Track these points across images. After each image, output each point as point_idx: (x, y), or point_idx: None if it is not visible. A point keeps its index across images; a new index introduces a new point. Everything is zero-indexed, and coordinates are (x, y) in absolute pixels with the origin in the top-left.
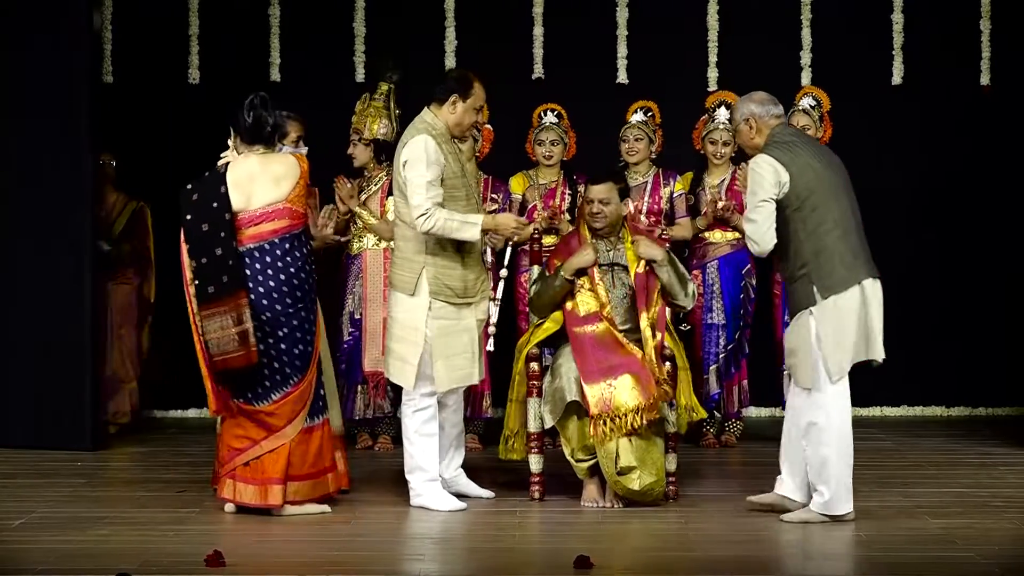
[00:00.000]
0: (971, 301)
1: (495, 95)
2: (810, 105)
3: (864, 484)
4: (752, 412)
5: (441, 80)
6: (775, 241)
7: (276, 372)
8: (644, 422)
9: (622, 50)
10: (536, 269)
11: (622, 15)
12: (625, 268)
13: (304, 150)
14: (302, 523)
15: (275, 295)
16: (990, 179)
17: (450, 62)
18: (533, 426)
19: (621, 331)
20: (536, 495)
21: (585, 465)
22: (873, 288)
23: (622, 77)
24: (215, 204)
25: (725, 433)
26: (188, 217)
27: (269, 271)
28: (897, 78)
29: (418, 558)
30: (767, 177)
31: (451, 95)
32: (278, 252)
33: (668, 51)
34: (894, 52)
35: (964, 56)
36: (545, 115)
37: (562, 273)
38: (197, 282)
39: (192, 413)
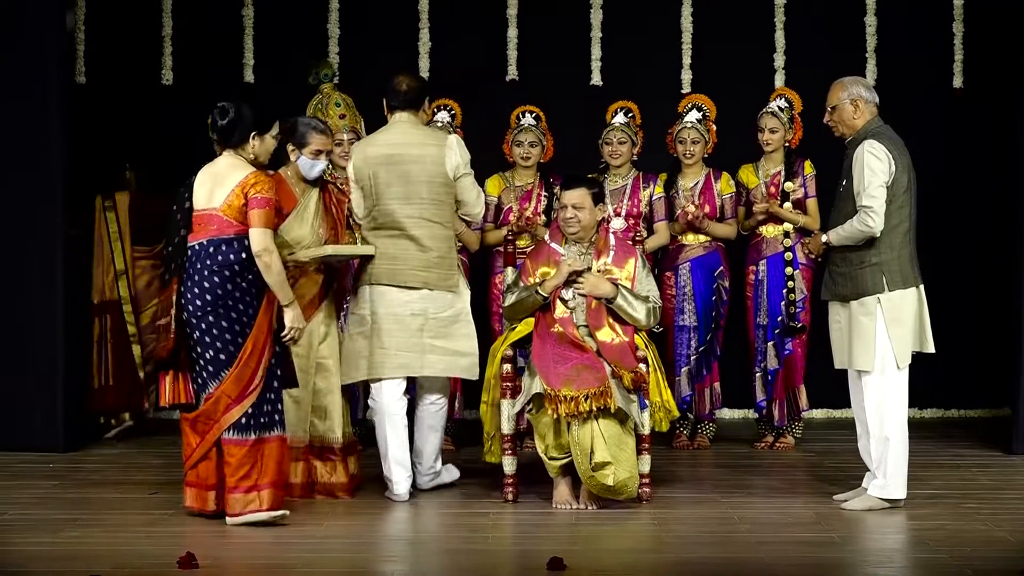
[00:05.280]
0: (943, 304)
1: (469, 97)
2: (779, 107)
3: (837, 485)
4: (725, 414)
5: (402, 89)
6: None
7: (197, 375)
8: (594, 407)
9: (596, 52)
10: (510, 271)
11: (596, 16)
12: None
13: (321, 164)
14: (275, 524)
15: (191, 294)
16: (962, 181)
17: (424, 64)
18: (506, 427)
19: (582, 326)
20: (509, 497)
21: (558, 463)
22: (923, 291)
23: (596, 79)
24: (186, 195)
25: (698, 435)
26: (174, 207)
27: (191, 270)
28: (870, 80)
29: (391, 560)
30: (884, 162)
31: (424, 101)
32: (202, 254)
33: (642, 53)
34: (867, 55)
35: (937, 58)
36: (523, 116)
37: (539, 290)
38: (162, 268)
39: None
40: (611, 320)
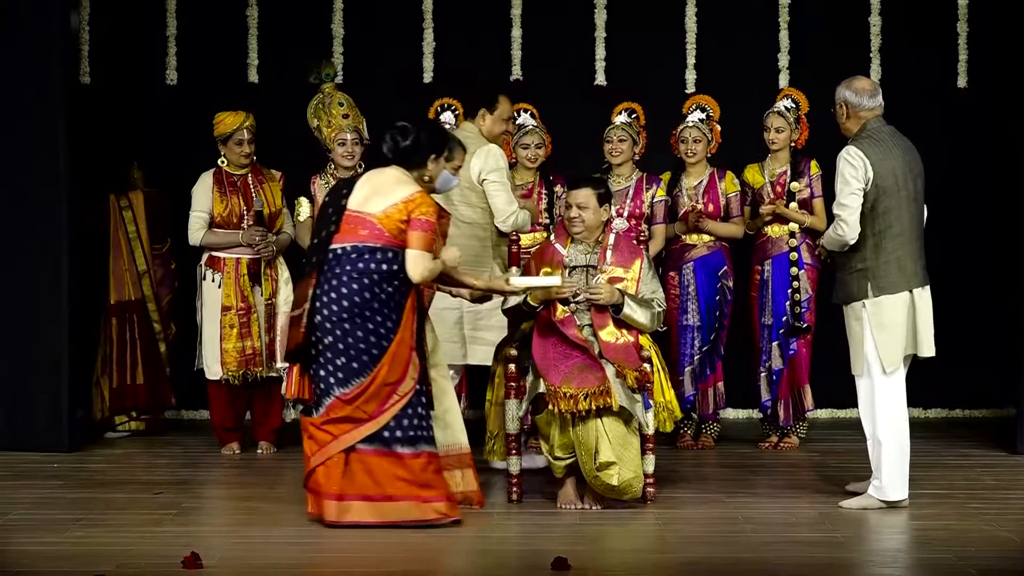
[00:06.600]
0: (947, 304)
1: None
2: (786, 107)
3: (842, 486)
4: (729, 414)
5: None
6: (859, 230)
7: (321, 379)
8: (592, 406)
9: (600, 52)
10: (514, 271)
11: (600, 17)
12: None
13: (457, 179)
14: (281, 524)
15: (327, 298)
16: (966, 181)
17: (428, 63)
18: (511, 427)
19: (586, 326)
20: (514, 496)
21: (563, 464)
22: (921, 294)
23: (600, 79)
24: (344, 191)
25: (702, 435)
26: (325, 200)
27: (330, 273)
28: (874, 80)
29: (396, 560)
30: (859, 168)
31: (479, 109)
32: (344, 259)
33: (646, 53)
34: (871, 54)
35: (941, 58)
36: (520, 115)
37: (528, 300)
38: (304, 259)
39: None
40: (615, 319)
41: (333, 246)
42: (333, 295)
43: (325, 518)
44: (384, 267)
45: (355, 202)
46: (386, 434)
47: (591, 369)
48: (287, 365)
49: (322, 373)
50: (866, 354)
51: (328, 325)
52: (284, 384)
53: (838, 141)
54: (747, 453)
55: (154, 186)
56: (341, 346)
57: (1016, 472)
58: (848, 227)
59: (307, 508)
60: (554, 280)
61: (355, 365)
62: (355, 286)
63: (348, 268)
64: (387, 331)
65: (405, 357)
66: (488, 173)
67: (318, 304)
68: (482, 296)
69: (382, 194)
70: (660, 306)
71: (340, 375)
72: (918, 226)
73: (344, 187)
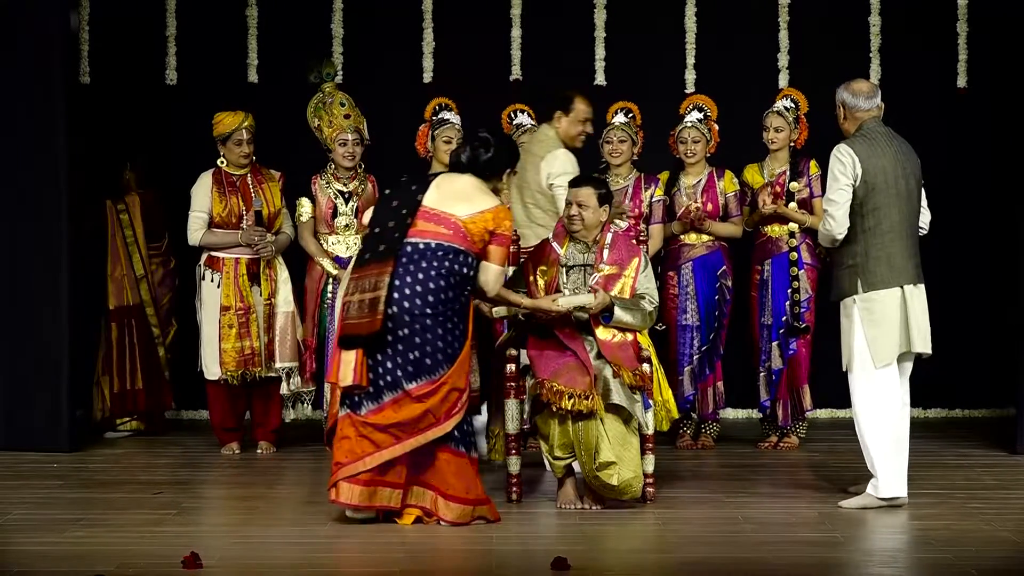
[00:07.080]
0: (947, 303)
1: (473, 97)
2: (785, 107)
3: (841, 485)
4: (729, 414)
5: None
6: (847, 226)
7: (388, 372)
8: (573, 408)
9: (600, 52)
10: (511, 270)
11: (599, 17)
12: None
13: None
14: (281, 523)
15: (410, 291)
16: (965, 181)
17: (428, 64)
18: (511, 427)
19: (584, 322)
20: (514, 496)
21: (562, 463)
22: (913, 292)
23: (600, 79)
24: (414, 187)
25: (702, 435)
26: (387, 192)
27: (412, 267)
28: (874, 80)
29: (395, 559)
30: (848, 165)
31: (554, 112)
32: (428, 254)
33: (646, 53)
34: (871, 54)
35: (941, 58)
36: (517, 116)
37: (520, 313)
38: (360, 248)
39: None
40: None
41: (413, 240)
42: (418, 288)
43: (384, 505)
44: (465, 271)
45: (433, 200)
46: (456, 433)
47: (580, 372)
48: (287, 365)
49: (389, 365)
50: (855, 350)
51: (407, 318)
52: (329, 371)
53: (837, 141)
54: (747, 453)
55: (151, 186)
56: (418, 340)
57: (1016, 472)
58: (835, 222)
59: (336, 498)
60: (590, 298)
61: (428, 362)
62: (442, 283)
63: (435, 264)
64: (460, 334)
65: (467, 366)
66: (555, 178)
67: (396, 295)
68: (507, 312)
69: (464, 200)
70: (652, 303)
71: (410, 369)
72: (909, 224)
73: (413, 183)
